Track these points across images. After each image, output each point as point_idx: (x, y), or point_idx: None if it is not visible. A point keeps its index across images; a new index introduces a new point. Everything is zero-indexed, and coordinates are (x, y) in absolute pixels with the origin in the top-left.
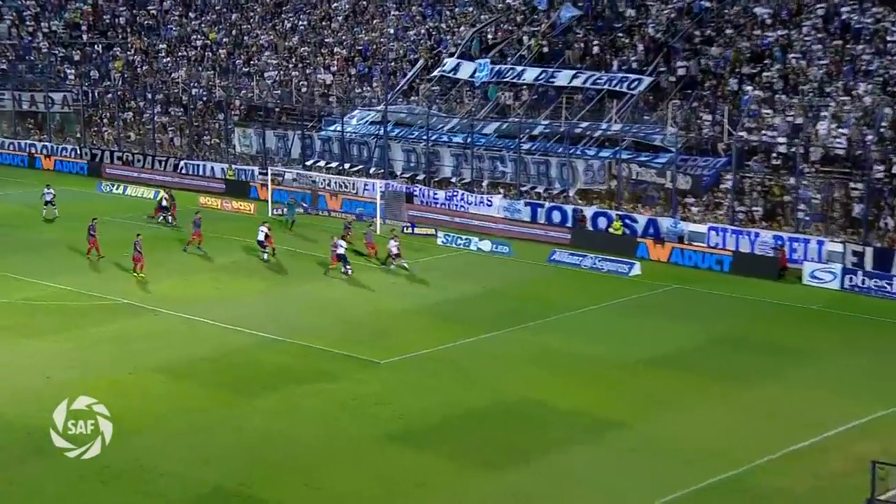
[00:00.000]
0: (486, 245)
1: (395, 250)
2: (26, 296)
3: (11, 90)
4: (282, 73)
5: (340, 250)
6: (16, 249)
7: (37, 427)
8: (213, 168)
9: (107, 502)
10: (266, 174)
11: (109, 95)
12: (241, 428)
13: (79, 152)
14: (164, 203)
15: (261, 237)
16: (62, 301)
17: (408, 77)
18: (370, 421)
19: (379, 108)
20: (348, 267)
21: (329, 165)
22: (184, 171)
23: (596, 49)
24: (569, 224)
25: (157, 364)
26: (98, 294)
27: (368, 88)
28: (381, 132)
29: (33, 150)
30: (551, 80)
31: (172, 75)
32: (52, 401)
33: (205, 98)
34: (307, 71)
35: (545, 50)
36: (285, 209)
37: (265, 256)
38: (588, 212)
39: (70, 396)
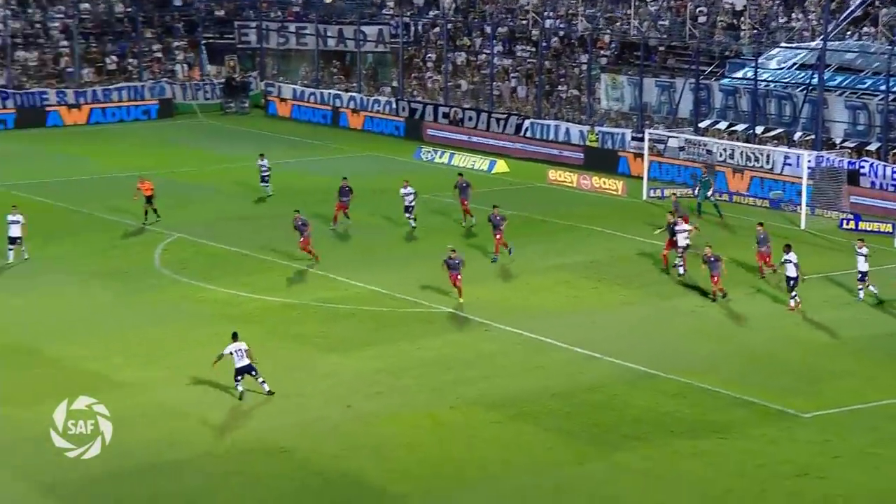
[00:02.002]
0: None
1: (865, 265)
2: (323, 296)
3: (315, 22)
4: None
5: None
6: (314, 235)
7: (336, 471)
8: (568, 130)
9: None
10: (642, 139)
11: (437, 30)
12: (598, 494)
13: (394, 107)
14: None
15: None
16: (368, 306)
17: None
18: (783, 500)
19: (813, 44)
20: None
21: (733, 128)
22: (528, 135)
23: None
24: None
25: (487, 397)
26: (413, 298)
27: (798, 16)
28: (815, 80)
29: (339, 104)
30: None
31: (521, 1)
32: (355, 437)
33: (563, 33)
34: None
35: None
36: (696, 188)
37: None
38: None
39: (378, 432)
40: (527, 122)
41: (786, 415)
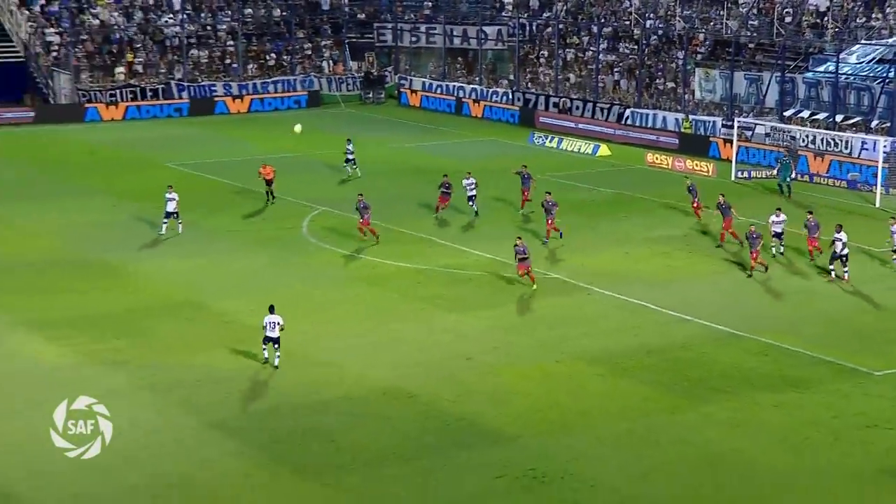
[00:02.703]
0: None
1: None
2: (446, 263)
3: (443, 24)
4: None
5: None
6: (431, 210)
7: (456, 415)
8: (664, 118)
9: None
10: (731, 127)
11: (549, 29)
12: (688, 440)
13: (511, 97)
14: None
15: None
16: (486, 271)
17: None
18: (855, 448)
19: (891, 41)
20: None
21: (815, 117)
22: (629, 122)
23: None
24: None
25: (589, 353)
26: None
27: (877, 16)
28: (892, 73)
29: (461, 95)
30: None
31: (624, 4)
32: (472, 385)
33: (661, 31)
34: None
35: None
36: (777, 170)
37: None
38: None
39: (492, 381)
40: (628, 111)
41: (858, 372)
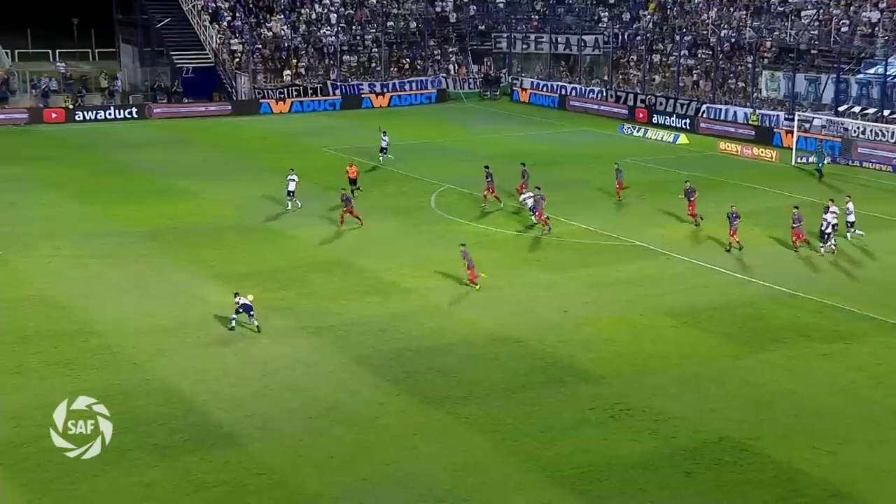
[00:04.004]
0: None
1: (852, 217)
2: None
3: (549, 33)
4: (821, 11)
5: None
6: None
7: (555, 357)
8: (735, 113)
9: (615, 435)
10: (792, 120)
11: (639, 38)
12: (750, 381)
13: (605, 95)
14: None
15: None
16: (581, 239)
17: None
18: (894, 390)
19: None
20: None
21: (865, 112)
22: (705, 116)
23: None
24: None
25: (668, 308)
26: (614, 235)
27: None
28: None
29: (563, 93)
30: None
31: (702, 17)
32: (569, 333)
33: (733, 40)
34: (851, 9)
35: None
36: (813, 156)
37: None
38: None
39: (585, 330)
40: (704, 107)
41: None
